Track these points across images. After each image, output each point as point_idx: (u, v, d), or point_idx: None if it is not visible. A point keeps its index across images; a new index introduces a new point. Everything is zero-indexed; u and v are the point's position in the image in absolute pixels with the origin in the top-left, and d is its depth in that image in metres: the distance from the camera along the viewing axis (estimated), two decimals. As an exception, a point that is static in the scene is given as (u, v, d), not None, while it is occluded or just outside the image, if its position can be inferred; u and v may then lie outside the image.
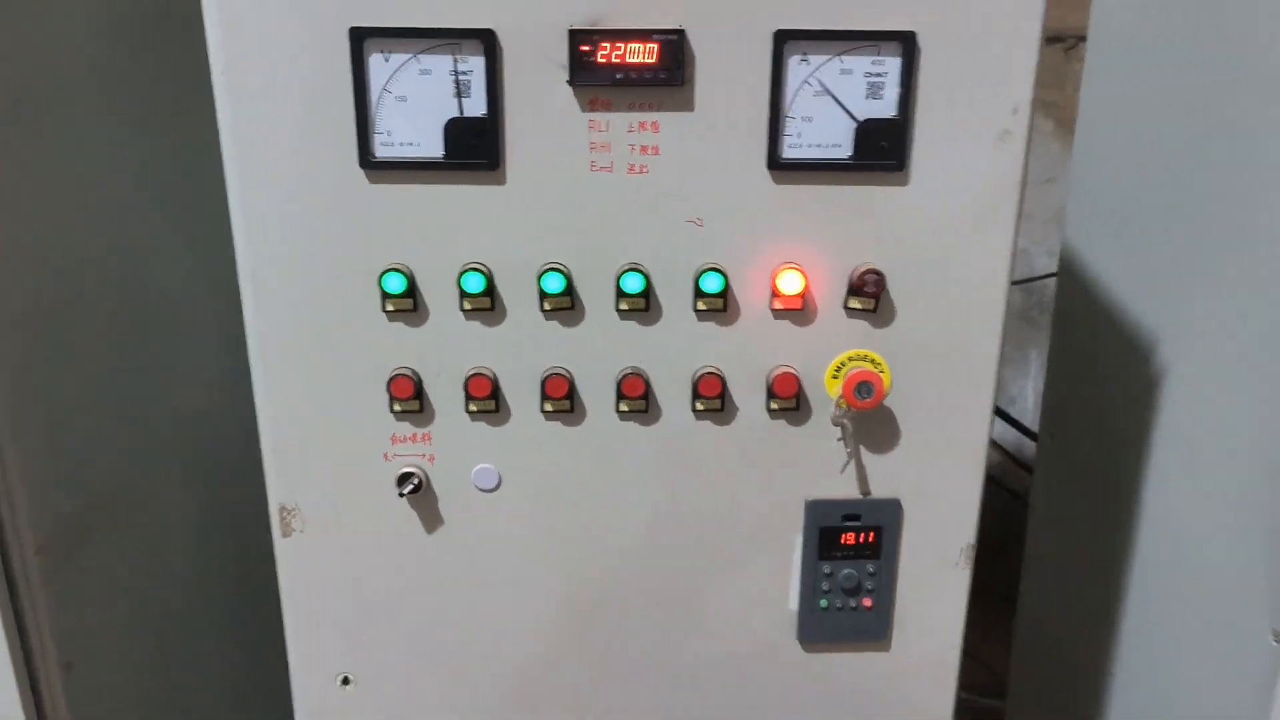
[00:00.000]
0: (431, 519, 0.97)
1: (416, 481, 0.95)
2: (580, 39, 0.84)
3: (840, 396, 0.92)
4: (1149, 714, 1.32)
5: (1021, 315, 2.37)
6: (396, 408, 0.93)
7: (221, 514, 1.34)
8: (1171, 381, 1.25)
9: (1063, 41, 2.05)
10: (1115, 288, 1.38)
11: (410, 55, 0.84)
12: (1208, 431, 1.19)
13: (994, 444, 2.23)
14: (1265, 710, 1.08)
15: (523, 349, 0.92)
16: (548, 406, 0.94)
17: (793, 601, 1.01)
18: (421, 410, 0.94)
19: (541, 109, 0.86)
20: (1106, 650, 1.40)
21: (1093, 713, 1.44)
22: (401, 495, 0.94)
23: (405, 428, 0.94)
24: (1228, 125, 1.12)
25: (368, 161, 0.87)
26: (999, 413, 2.18)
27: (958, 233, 0.90)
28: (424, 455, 0.95)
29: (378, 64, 0.84)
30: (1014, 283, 0.86)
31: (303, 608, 1.00)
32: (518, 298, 0.91)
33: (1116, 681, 1.39)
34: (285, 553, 0.98)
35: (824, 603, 1.00)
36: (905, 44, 0.85)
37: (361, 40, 0.83)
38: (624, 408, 0.94)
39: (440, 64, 0.85)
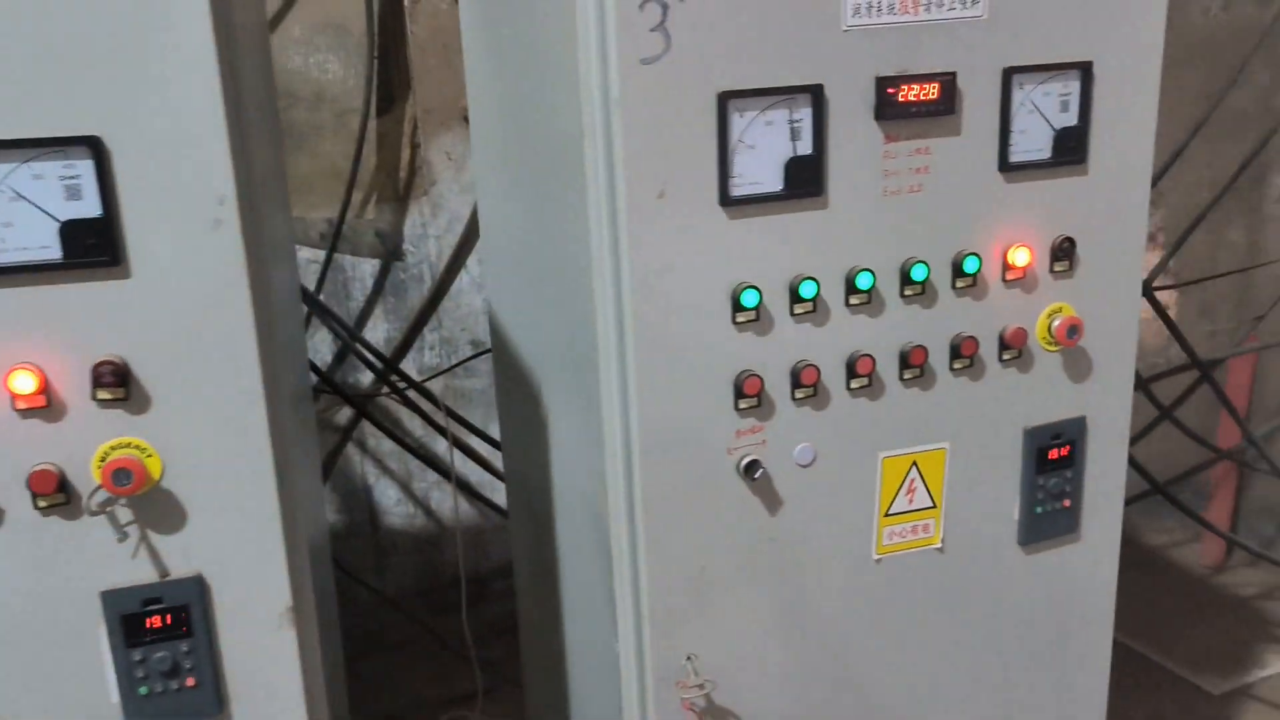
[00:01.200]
0: None
1: None
2: None
3: (100, 486, 0.94)
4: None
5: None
6: None
7: None
8: (554, 416, 1.37)
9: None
10: (518, 341, 1.50)
11: None
12: (572, 454, 1.32)
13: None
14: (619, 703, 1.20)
15: None
16: None
17: (112, 695, 1.01)
18: None
19: None
20: (560, 644, 1.49)
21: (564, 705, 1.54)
22: None
23: None
24: (543, 196, 1.26)
25: None
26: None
27: (195, 315, 0.94)
28: None
29: None
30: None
31: None
32: None
33: (572, 680, 1.49)
34: None
35: (144, 689, 1.01)
36: (94, 147, 0.89)
37: None
38: None
39: None
